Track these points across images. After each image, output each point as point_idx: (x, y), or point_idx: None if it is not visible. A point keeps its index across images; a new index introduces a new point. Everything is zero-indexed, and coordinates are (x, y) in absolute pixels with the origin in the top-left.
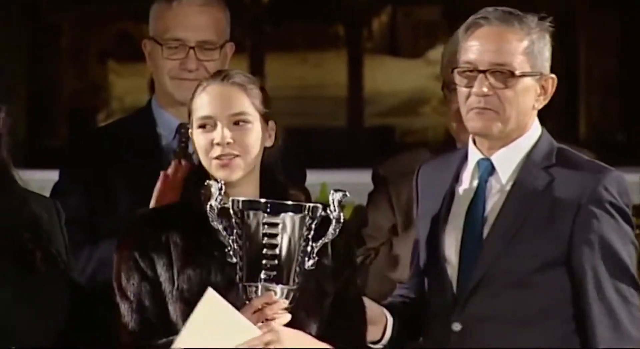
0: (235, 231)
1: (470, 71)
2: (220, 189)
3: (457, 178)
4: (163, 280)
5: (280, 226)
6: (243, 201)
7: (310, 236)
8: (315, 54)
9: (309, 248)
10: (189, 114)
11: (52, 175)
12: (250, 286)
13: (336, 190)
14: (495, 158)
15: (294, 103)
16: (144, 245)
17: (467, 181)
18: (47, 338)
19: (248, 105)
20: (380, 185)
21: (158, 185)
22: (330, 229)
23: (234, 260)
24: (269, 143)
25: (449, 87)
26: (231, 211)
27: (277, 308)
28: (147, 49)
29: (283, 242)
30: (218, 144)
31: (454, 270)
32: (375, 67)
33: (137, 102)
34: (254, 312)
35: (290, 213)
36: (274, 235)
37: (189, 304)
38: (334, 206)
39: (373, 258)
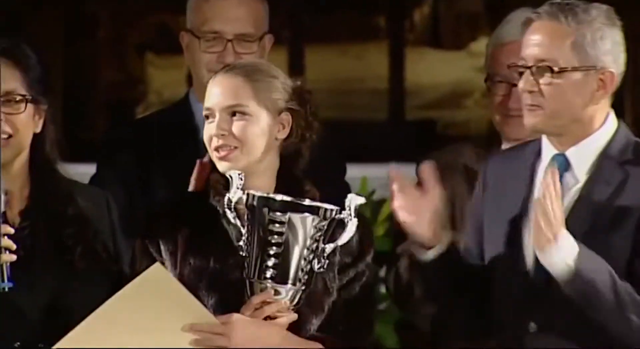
0: (246, 225)
1: (521, 67)
2: (240, 180)
3: (532, 177)
4: (167, 265)
5: (286, 225)
6: (257, 196)
7: (320, 238)
8: (355, 46)
9: (319, 250)
10: None
11: (89, 169)
12: (253, 282)
13: (354, 195)
14: (570, 153)
15: (334, 96)
16: (155, 232)
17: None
18: None
19: (248, 96)
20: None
21: (194, 172)
22: (344, 234)
23: (243, 254)
24: (281, 136)
25: (492, 79)
26: (244, 205)
27: (277, 307)
28: (184, 41)
29: (289, 241)
30: (215, 135)
31: (531, 269)
32: (416, 59)
33: (175, 95)
34: (255, 310)
35: (297, 213)
36: (280, 233)
37: (189, 289)
38: (350, 211)
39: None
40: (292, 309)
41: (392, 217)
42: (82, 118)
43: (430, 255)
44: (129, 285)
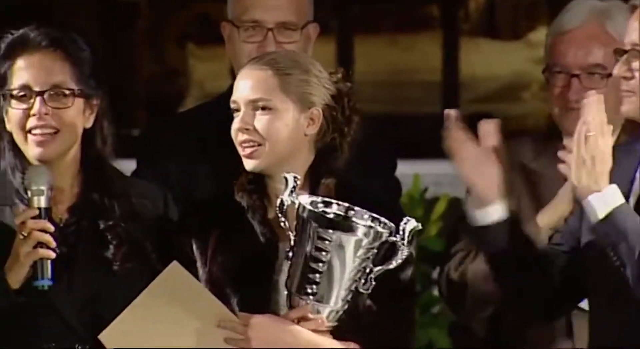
0: (294, 233)
1: (624, 51)
2: (295, 183)
3: (632, 179)
4: (198, 265)
5: (334, 243)
6: (307, 208)
7: (369, 259)
8: (407, 36)
9: (366, 271)
10: None
11: (128, 165)
12: (291, 295)
13: (410, 219)
14: None
15: (384, 89)
16: (188, 230)
17: None
18: None
19: (273, 90)
20: None
21: None
22: (395, 258)
23: (289, 262)
24: (310, 131)
25: (551, 70)
26: (295, 213)
27: (314, 326)
28: (225, 31)
29: (335, 260)
30: (238, 130)
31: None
32: (471, 49)
33: (219, 88)
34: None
35: (348, 233)
36: (326, 251)
37: (217, 287)
38: (404, 235)
39: (474, 256)
40: (330, 329)
41: (445, 216)
42: (121, 113)
43: (491, 214)
44: (149, 285)
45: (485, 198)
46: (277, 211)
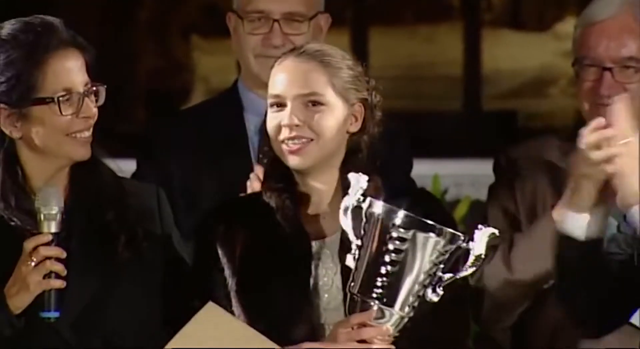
0: (361, 235)
1: None
2: (364, 184)
3: None
4: (227, 273)
5: (407, 243)
6: (381, 206)
7: (440, 264)
8: (426, 27)
9: (436, 278)
10: None
11: (128, 165)
12: (356, 297)
13: (486, 226)
14: None
15: (402, 83)
16: (210, 237)
17: None
18: (134, 329)
19: (324, 84)
20: (503, 176)
21: (256, 179)
22: (467, 264)
23: (352, 265)
24: (353, 129)
25: (581, 63)
26: (363, 213)
27: (376, 332)
28: (231, 23)
29: (406, 261)
30: (287, 126)
31: None
32: (494, 41)
33: (225, 83)
34: (351, 329)
35: (422, 232)
36: (399, 251)
37: (247, 298)
38: (481, 244)
39: (490, 258)
40: (392, 338)
41: (466, 220)
42: (120, 109)
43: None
44: (184, 327)
45: (633, 198)
46: (342, 214)
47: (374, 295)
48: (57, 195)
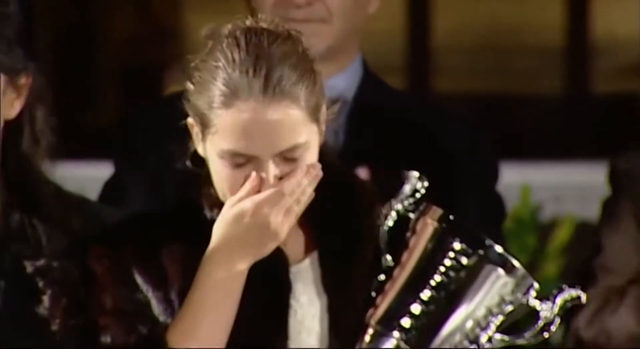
0: (399, 252)
1: None
2: (422, 187)
3: None
4: (154, 300)
5: (464, 273)
6: (443, 216)
7: (496, 316)
8: None
9: (491, 323)
10: (201, 121)
11: (99, 169)
12: (375, 328)
13: (566, 287)
14: None
15: (481, 56)
16: (130, 255)
17: None
18: None
19: (300, 125)
20: (623, 189)
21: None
22: (534, 329)
23: (373, 294)
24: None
25: None
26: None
27: None
28: None
29: (456, 297)
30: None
31: None
32: (606, 2)
33: None
34: None
35: (493, 265)
36: (447, 274)
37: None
38: (554, 306)
39: (618, 305)
40: None
41: (569, 248)
42: (86, 94)
43: None
44: None
45: None
46: (387, 222)
47: (403, 326)
48: None
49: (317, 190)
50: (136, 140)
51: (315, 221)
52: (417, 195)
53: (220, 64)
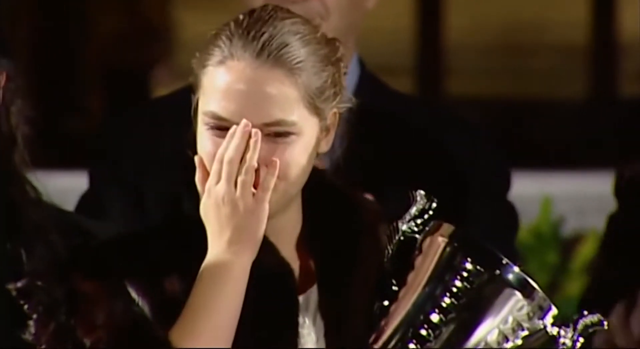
0: (402, 276)
1: None
2: (428, 205)
3: None
4: (150, 312)
5: (474, 294)
6: (455, 233)
7: (509, 338)
8: None
9: (500, 343)
10: (194, 86)
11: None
12: None
13: (590, 313)
14: None
15: (497, 56)
16: (124, 271)
17: None
18: None
19: (292, 102)
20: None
21: None
22: None
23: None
24: (324, 149)
25: None
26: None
27: None
28: None
29: (465, 319)
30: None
31: None
32: None
33: None
34: None
35: (508, 287)
36: (458, 296)
37: None
38: (574, 332)
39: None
40: None
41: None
42: (66, 97)
43: None
44: None
45: None
46: (391, 245)
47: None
48: None
49: (318, 213)
50: (115, 151)
51: (316, 246)
52: (425, 216)
53: (227, 27)
